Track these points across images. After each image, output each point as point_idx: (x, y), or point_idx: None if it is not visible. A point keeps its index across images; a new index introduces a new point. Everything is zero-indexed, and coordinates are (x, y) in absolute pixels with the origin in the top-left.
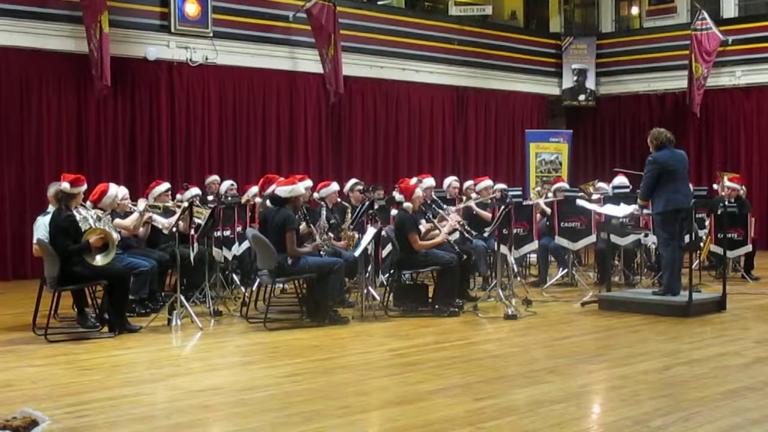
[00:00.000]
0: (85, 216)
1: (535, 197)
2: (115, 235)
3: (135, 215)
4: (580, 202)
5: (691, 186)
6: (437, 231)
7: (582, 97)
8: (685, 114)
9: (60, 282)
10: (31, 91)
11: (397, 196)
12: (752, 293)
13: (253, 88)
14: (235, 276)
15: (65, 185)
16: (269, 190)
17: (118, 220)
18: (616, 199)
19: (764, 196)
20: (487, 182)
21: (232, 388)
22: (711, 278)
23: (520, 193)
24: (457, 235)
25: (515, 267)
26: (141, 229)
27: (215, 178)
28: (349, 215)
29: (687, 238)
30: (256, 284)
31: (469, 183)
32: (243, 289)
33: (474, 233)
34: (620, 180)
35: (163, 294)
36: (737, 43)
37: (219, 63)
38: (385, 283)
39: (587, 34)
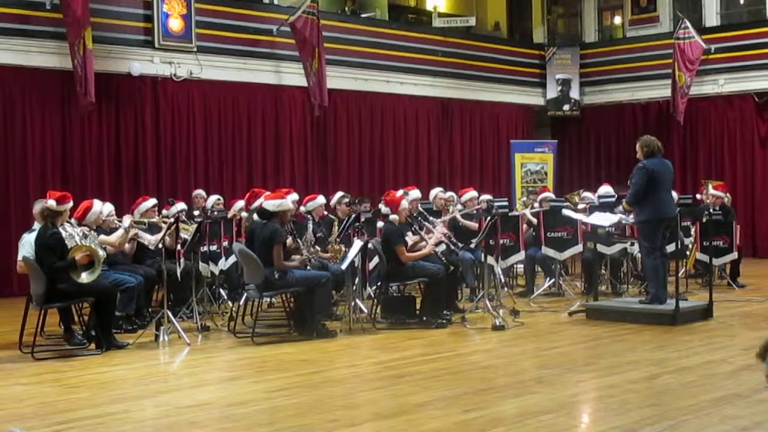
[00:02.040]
0: (71, 233)
1: (521, 208)
2: (102, 253)
3: (120, 232)
4: (566, 211)
5: (675, 195)
6: (424, 243)
7: (566, 107)
8: (669, 122)
9: (46, 299)
10: (14, 108)
11: (384, 208)
12: (739, 300)
13: (238, 102)
14: (222, 291)
15: (51, 203)
16: (256, 204)
17: (103, 237)
18: (602, 208)
19: (748, 204)
20: (472, 193)
21: (221, 403)
22: (697, 286)
23: (506, 203)
24: (443, 246)
25: (502, 278)
26: (127, 246)
27: (200, 192)
28: (336, 228)
29: (673, 247)
30: (244, 299)
31: (450, 194)
32: (230, 303)
33: (460, 245)
34: (606, 189)
35: (150, 310)
36: (720, 52)
37: (203, 78)
38: (372, 295)
39: (571, 44)
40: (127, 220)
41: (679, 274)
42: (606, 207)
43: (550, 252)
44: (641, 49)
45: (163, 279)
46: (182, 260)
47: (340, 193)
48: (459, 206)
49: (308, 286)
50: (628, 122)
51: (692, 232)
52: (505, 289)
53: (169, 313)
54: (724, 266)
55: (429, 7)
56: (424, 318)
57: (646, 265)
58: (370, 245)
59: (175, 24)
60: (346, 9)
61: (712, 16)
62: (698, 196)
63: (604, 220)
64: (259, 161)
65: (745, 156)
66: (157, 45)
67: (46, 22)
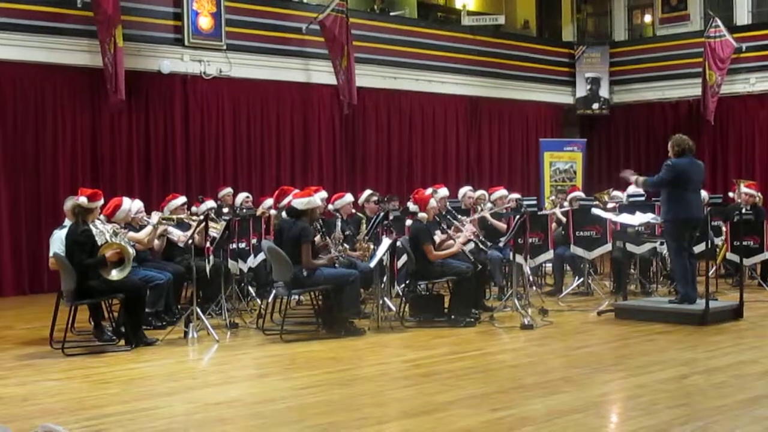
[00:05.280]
0: (102, 230)
1: (549, 206)
2: (131, 250)
3: (148, 229)
4: (595, 210)
5: (705, 194)
6: (452, 241)
7: (596, 106)
8: (699, 122)
9: (76, 296)
10: (46, 106)
11: (412, 206)
12: None
13: (267, 100)
14: (250, 288)
15: (83, 200)
16: (284, 202)
17: (131, 234)
18: (631, 207)
19: None
20: (502, 192)
21: (249, 400)
22: (727, 286)
23: (534, 202)
24: (472, 245)
25: (531, 277)
26: (156, 242)
27: (229, 190)
28: (364, 226)
29: (703, 247)
30: (272, 296)
31: (480, 192)
32: (259, 301)
33: (489, 243)
34: (635, 188)
35: (179, 307)
36: (751, 50)
37: (233, 76)
38: (400, 293)
39: (600, 42)
40: (155, 217)
41: (709, 274)
42: (635, 207)
43: (578, 251)
44: (671, 48)
45: (192, 276)
46: (211, 257)
47: (368, 191)
48: (489, 205)
49: (337, 284)
50: (658, 121)
51: (723, 231)
52: (534, 288)
53: (198, 310)
54: (754, 266)
55: (458, 5)
56: (453, 316)
57: (674, 265)
58: (398, 243)
59: (205, 22)
60: (375, 7)
61: (743, 14)
62: (730, 194)
63: (633, 219)
64: (287, 159)
65: None
66: (186, 43)
67: (77, 20)
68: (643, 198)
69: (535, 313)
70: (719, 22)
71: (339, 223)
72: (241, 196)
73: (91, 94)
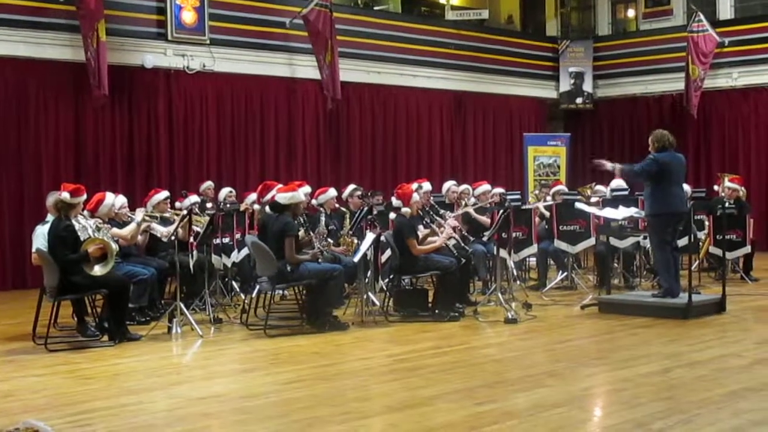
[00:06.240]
0: (85, 225)
1: (533, 201)
2: (114, 246)
3: (132, 225)
4: (578, 205)
5: (688, 188)
6: (436, 236)
7: (579, 100)
8: (682, 116)
9: (60, 291)
10: (28, 100)
11: (396, 201)
12: (751, 294)
13: (250, 95)
14: (234, 283)
15: (65, 195)
16: (268, 197)
17: (115, 230)
18: (614, 201)
19: (763, 197)
20: (486, 187)
21: (233, 395)
22: (710, 280)
23: (518, 196)
24: (454, 240)
25: (515, 271)
26: (139, 238)
27: (210, 184)
28: (348, 221)
29: (686, 240)
30: (256, 291)
31: (464, 187)
32: (243, 296)
33: (472, 238)
34: (618, 182)
35: (162, 302)
36: (734, 45)
37: (216, 70)
38: (384, 288)
39: (584, 37)
40: (139, 214)
41: (692, 268)
42: (619, 201)
43: (562, 245)
44: (655, 42)
45: (176, 271)
46: (195, 252)
47: (352, 186)
48: (473, 199)
49: (320, 279)
50: (642, 115)
51: (706, 225)
52: (518, 282)
53: (182, 305)
54: (737, 260)
55: (442, 0)
56: (437, 311)
57: (657, 259)
58: (382, 238)
59: (188, 16)
60: (359, 1)
61: (726, 9)
62: (715, 187)
63: (616, 213)
64: (271, 154)
65: (759, 149)
66: (170, 37)
67: (59, 15)
68: (626, 192)
69: (519, 307)
70: (702, 17)
71: (323, 218)
72: (225, 191)
73: (74, 89)
